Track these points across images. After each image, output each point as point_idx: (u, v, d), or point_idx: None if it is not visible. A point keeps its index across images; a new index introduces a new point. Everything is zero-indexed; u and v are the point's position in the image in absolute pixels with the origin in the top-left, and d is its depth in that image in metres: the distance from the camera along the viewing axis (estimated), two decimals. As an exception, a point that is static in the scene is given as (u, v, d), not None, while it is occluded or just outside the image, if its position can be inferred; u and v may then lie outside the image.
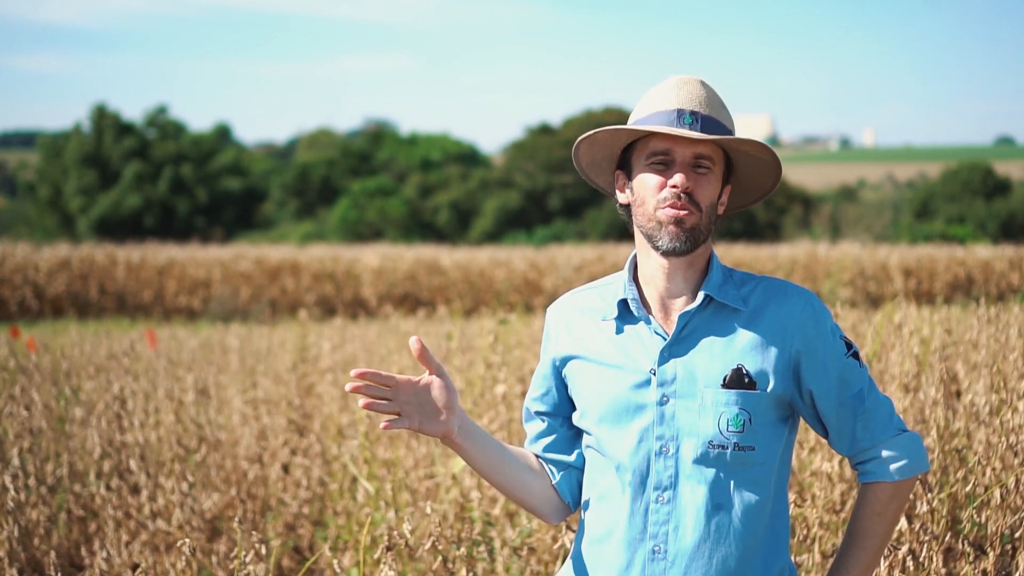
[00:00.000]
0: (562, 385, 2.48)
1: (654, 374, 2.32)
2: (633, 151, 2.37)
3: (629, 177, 2.38)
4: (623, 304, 2.38)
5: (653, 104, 2.34)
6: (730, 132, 2.35)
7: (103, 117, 45.04)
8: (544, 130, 46.98)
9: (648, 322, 2.35)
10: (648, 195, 2.31)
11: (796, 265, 24.24)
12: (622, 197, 2.41)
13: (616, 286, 2.42)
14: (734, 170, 2.40)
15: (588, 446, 2.44)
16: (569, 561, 2.48)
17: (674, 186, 2.28)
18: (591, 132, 2.39)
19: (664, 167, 2.31)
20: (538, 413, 2.52)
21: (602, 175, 2.48)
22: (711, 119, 2.31)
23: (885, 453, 2.35)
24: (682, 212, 2.28)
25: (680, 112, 2.30)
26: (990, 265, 23.96)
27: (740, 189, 2.46)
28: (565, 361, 2.44)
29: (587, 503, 2.45)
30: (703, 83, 2.35)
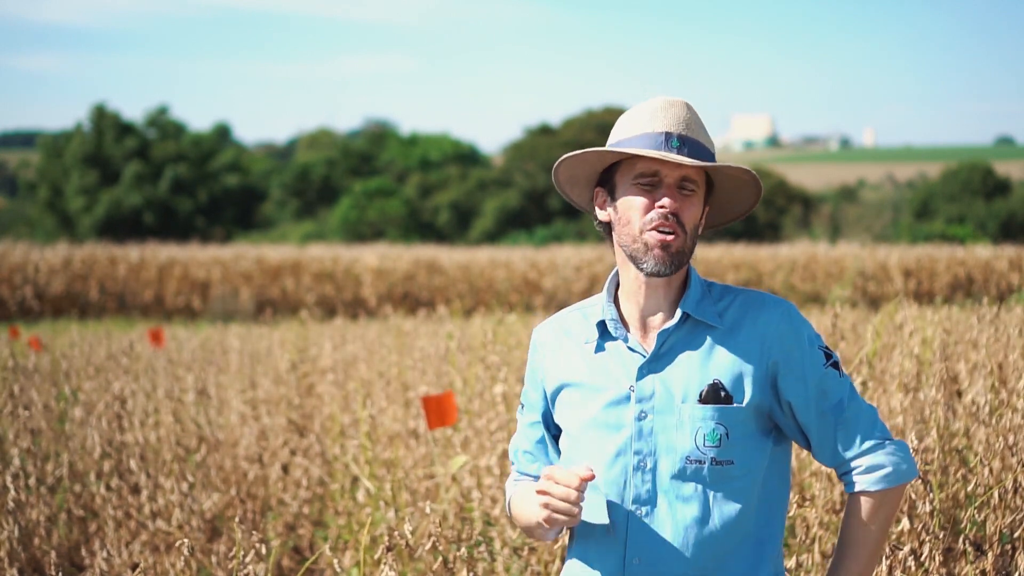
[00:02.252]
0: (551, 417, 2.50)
1: (633, 390, 2.34)
2: (617, 171, 2.37)
3: (612, 196, 2.38)
4: (602, 325, 2.40)
5: (639, 125, 2.35)
6: (713, 155, 2.37)
7: (103, 117, 45.05)
8: (544, 130, 47.00)
9: (626, 340, 2.37)
10: (634, 216, 2.33)
11: (796, 265, 24.24)
12: (602, 214, 2.41)
13: (593, 303, 2.45)
14: (713, 191, 2.42)
15: (566, 451, 2.44)
16: (568, 562, 2.49)
17: (662, 207, 2.30)
18: (580, 151, 2.39)
19: (651, 188, 2.32)
20: (533, 458, 2.53)
21: (577, 190, 2.48)
22: (696, 143, 2.33)
23: (868, 463, 2.34)
24: (668, 237, 2.30)
25: (668, 135, 2.32)
26: (990, 265, 23.97)
27: (718, 207, 2.47)
28: (556, 392, 2.45)
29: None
30: (687, 105, 2.37)
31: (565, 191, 2.49)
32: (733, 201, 2.45)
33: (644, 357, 2.35)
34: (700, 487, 2.30)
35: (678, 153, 2.30)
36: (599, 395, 2.36)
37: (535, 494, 2.26)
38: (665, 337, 2.35)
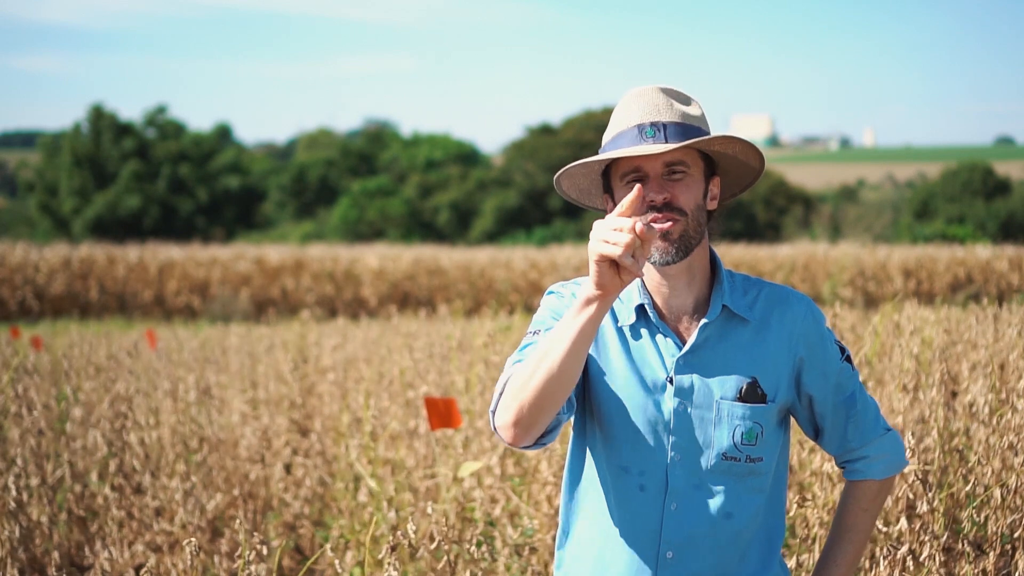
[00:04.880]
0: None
1: (671, 382, 2.33)
2: (611, 174, 2.38)
3: (613, 200, 2.38)
4: (640, 309, 2.38)
5: (616, 124, 2.34)
6: (700, 130, 2.33)
7: (100, 117, 44.97)
8: (544, 130, 46.98)
9: (665, 330, 2.36)
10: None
11: (796, 265, 24.24)
12: None
13: (629, 289, 2.40)
14: (717, 162, 2.39)
15: (593, 442, 2.41)
16: (570, 552, 2.44)
17: (651, 202, 2.28)
18: (564, 169, 2.39)
19: (640, 183, 2.29)
20: None
21: (594, 199, 2.49)
22: (675, 124, 2.30)
23: (872, 452, 2.44)
24: (666, 224, 2.28)
25: (641, 127, 2.29)
26: (990, 265, 23.96)
27: (731, 179, 2.45)
28: (592, 357, 2.37)
29: (587, 494, 2.42)
30: (661, 89, 2.34)
31: (584, 203, 2.50)
32: (741, 169, 2.43)
33: (680, 348, 2.34)
34: (731, 482, 2.33)
35: (654, 141, 2.27)
36: (635, 382, 2.35)
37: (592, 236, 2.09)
38: (704, 330, 2.34)
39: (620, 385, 2.36)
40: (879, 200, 55.66)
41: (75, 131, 45.22)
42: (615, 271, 2.08)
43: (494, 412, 2.27)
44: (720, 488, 2.32)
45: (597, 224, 2.09)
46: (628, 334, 2.38)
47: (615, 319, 2.40)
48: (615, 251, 2.04)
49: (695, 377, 2.33)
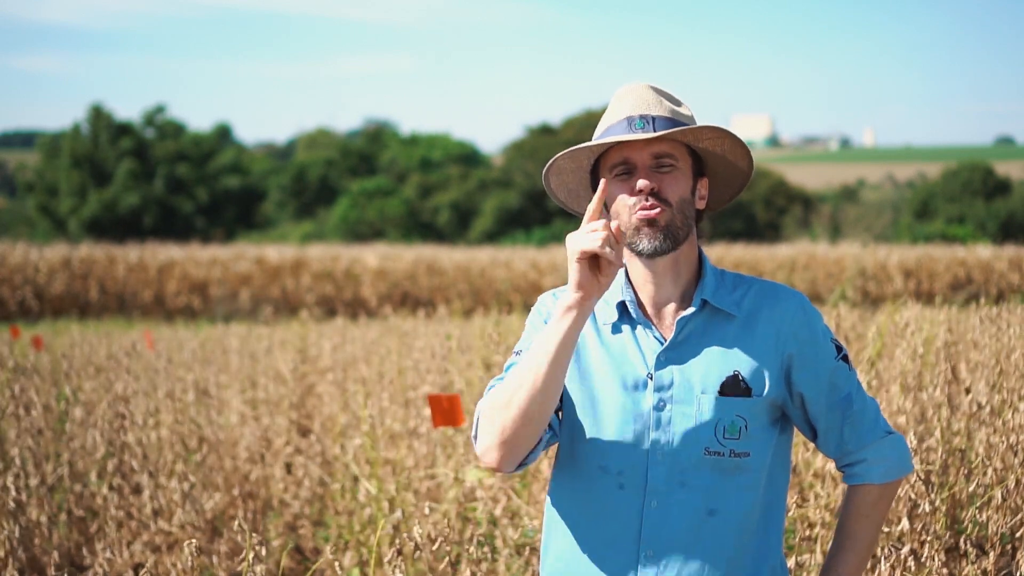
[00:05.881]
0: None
1: (651, 378, 2.31)
2: (600, 169, 2.37)
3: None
4: (621, 306, 2.37)
5: (607, 119, 2.36)
6: (687, 125, 2.33)
7: (99, 118, 44.96)
8: (544, 130, 47.03)
9: (647, 326, 2.34)
10: (619, 207, 2.31)
11: (796, 265, 24.25)
12: None
13: (612, 287, 2.39)
14: (707, 163, 2.39)
15: (573, 442, 2.38)
16: (551, 552, 2.41)
17: (639, 190, 2.28)
18: (551, 161, 2.39)
19: (628, 175, 2.30)
20: None
21: (583, 203, 2.48)
22: (664, 119, 2.31)
23: (871, 456, 2.38)
24: (652, 211, 2.28)
25: (630, 119, 2.30)
26: (990, 265, 23.98)
27: (721, 181, 2.44)
28: (573, 361, 2.38)
29: (567, 495, 2.39)
30: (651, 87, 2.36)
31: (571, 207, 2.49)
32: (730, 170, 2.42)
33: (662, 344, 2.33)
34: (715, 479, 2.29)
35: (643, 132, 2.28)
36: (615, 378, 2.33)
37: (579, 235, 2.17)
38: (683, 324, 2.33)
39: (599, 383, 2.34)
40: (879, 200, 55.72)
41: (74, 131, 45.22)
42: (595, 271, 2.17)
43: (476, 436, 2.28)
44: (703, 484, 2.28)
45: (571, 234, 2.18)
46: (608, 331, 2.37)
47: (594, 316, 2.39)
48: (594, 244, 2.13)
49: (676, 372, 2.31)
